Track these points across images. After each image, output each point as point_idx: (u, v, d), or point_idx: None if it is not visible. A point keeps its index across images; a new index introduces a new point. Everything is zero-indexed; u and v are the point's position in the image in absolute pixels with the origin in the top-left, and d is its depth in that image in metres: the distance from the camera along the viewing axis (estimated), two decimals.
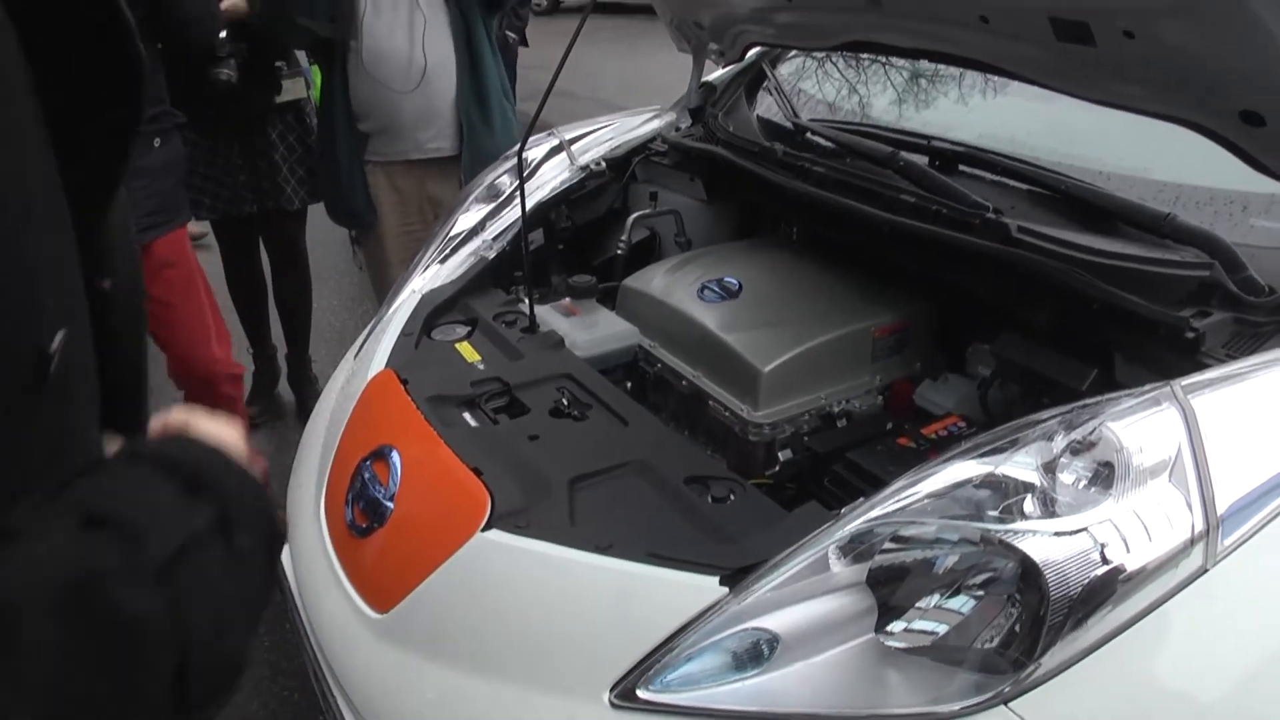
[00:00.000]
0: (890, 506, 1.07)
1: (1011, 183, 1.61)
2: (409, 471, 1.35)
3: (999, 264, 1.43)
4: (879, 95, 2.08)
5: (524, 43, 4.63)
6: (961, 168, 1.70)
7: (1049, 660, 0.96)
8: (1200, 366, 1.22)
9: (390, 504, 1.33)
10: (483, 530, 1.22)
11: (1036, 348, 1.43)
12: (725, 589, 1.08)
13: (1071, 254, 1.34)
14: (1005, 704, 0.97)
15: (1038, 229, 1.40)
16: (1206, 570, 1.01)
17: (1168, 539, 0.98)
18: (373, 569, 1.33)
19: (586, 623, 1.13)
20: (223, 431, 0.72)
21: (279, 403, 3.44)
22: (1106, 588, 0.96)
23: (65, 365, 0.56)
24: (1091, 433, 1.03)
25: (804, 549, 1.07)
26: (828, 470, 1.45)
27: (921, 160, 1.72)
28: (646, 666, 1.06)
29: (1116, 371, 1.35)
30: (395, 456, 1.37)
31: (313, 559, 1.46)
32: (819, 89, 2.18)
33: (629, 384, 1.83)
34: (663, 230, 2.24)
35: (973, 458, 1.07)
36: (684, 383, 1.71)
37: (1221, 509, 1.01)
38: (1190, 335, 1.21)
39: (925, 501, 1.06)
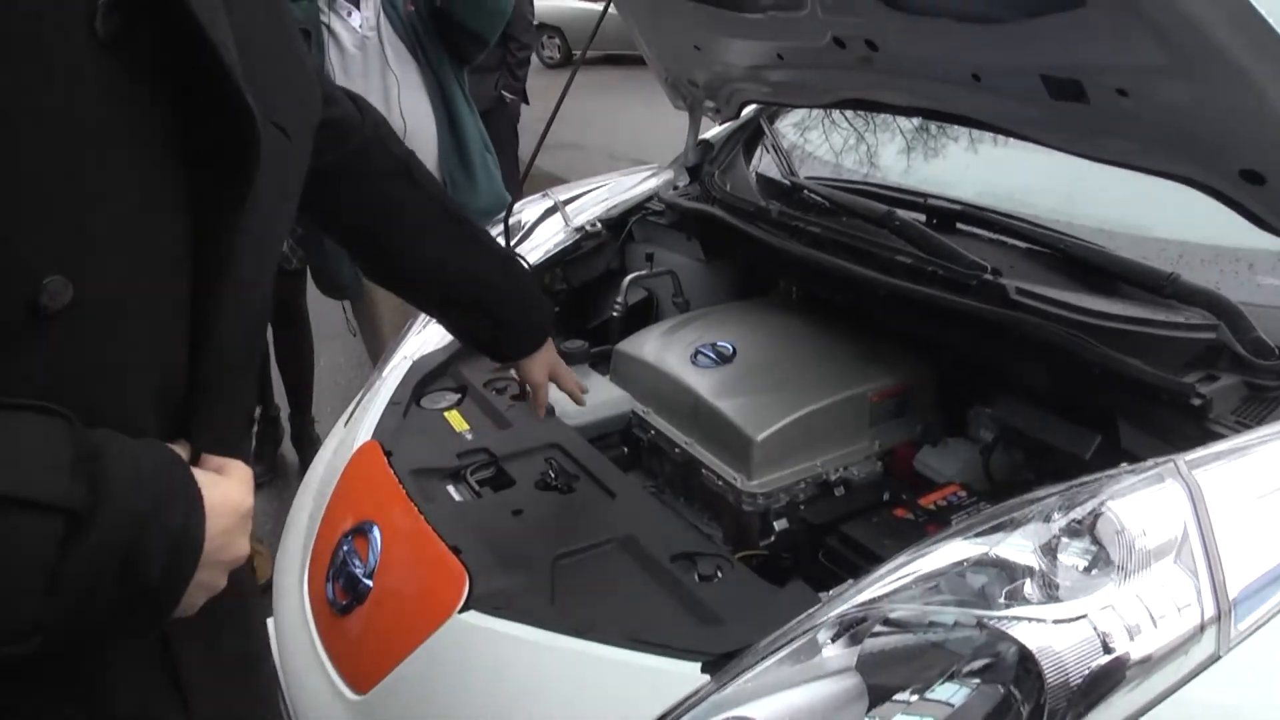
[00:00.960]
0: (881, 589, 1.01)
1: (1010, 241, 1.57)
2: (388, 549, 1.30)
3: (997, 327, 1.38)
4: (879, 150, 2.05)
5: (525, 100, 4.63)
6: (959, 226, 1.66)
7: None
8: (1209, 434, 1.17)
9: (369, 582, 1.28)
10: (460, 612, 1.17)
11: (1038, 413, 1.38)
12: (706, 676, 1.02)
13: (1071, 316, 1.30)
14: None
15: (1036, 290, 1.36)
16: (1220, 657, 0.95)
17: (1176, 625, 0.93)
18: (353, 649, 1.28)
19: (564, 709, 1.08)
20: (221, 487, 0.70)
21: (283, 463, 3.41)
22: (1110, 677, 0.91)
23: (74, 316, 0.61)
24: (1091, 512, 0.97)
25: (789, 634, 1.01)
26: (821, 543, 1.39)
27: (918, 219, 1.68)
28: None
29: (1122, 439, 1.29)
30: (375, 533, 1.33)
31: (296, 636, 1.41)
32: (825, 139, 2.16)
33: (625, 449, 1.78)
34: (660, 291, 2.21)
35: (967, 538, 1.01)
36: (677, 450, 1.67)
37: (1234, 592, 0.95)
38: (1197, 402, 1.16)
39: (917, 584, 1.00)
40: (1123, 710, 0.91)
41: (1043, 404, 1.40)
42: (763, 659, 1.00)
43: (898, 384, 1.63)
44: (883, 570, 1.03)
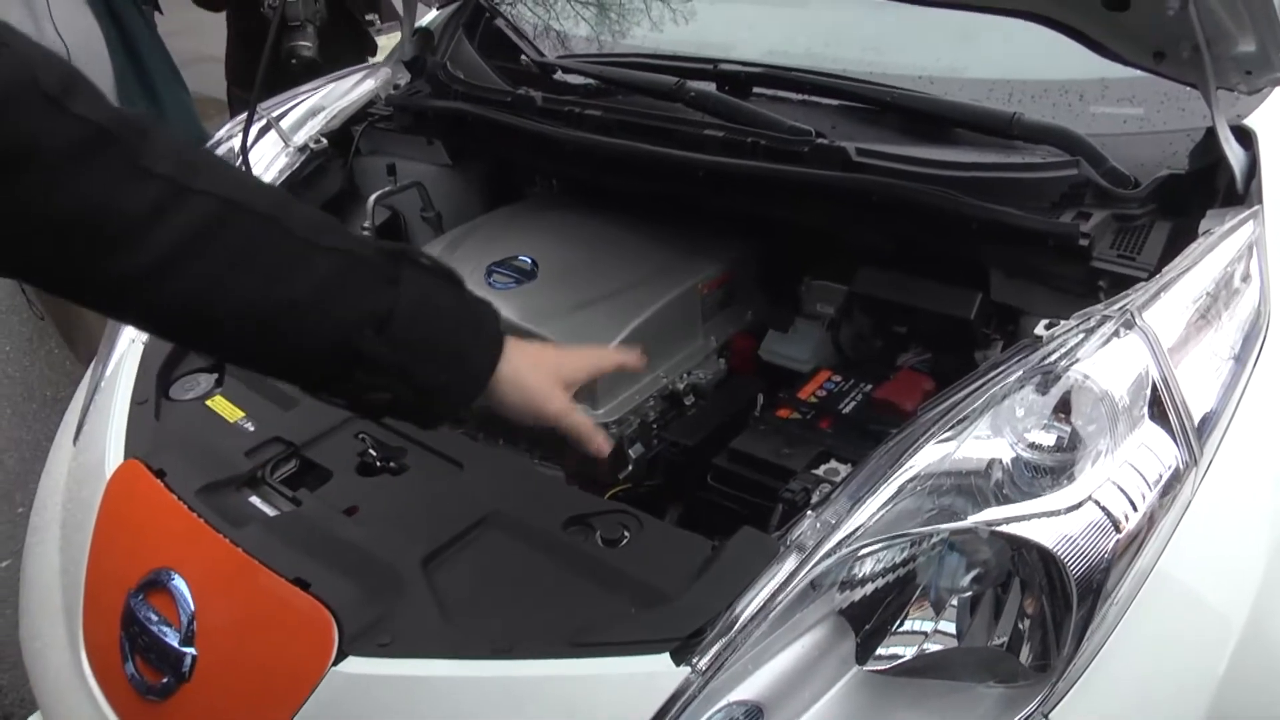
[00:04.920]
0: (853, 522, 0.87)
1: (821, 100, 1.44)
2: (205, 601, 1.00)
3: (841, 194, 1.26)
4: (629, 19, 1.85)
5: (157, 7, 3.91)
6: (757, 91, 1.51)
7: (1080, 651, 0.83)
8: (1094, 273, 1.12)
9: (190, 650, 0.98)
10: (335, 664, 0.91)
11: (904, 280, 1.29)
12: (685, 668, 0.84)
13: (926, 171, 1.20)
14: (1046, 717, 0.82)
15: (879, 149, 1.25)
16: (1192, 500, 0.91)
17: (1164, 481, 0.87)
18: None
19: None
20: None
21: None
22: (1125, 556, 0.84)
23: None
24: (1063, 383, 0.88)
25: (768, 599, 0.86)
26: (708, 465, 1.23)
27: (711, 88, 1.52)
28: None
29: (993, 291, 1.23)
30: (179, 583, 1.01)
31: None
32: (560, 15, 1.92)
33: None
34: (405, 207, 1.91)
35: (930, 443, 0.89)
36: None
37: (1198, 435, 0.91)
38: (1084, 242, 1.10)
39: (891, 508, 0.87)
40: (1135, 584, 0.85)
41: (898, 268, 1.31)
42: (746, 635, 0.84)
43: (723, 271, 1.49)
44: (849, 497, 0.90)
